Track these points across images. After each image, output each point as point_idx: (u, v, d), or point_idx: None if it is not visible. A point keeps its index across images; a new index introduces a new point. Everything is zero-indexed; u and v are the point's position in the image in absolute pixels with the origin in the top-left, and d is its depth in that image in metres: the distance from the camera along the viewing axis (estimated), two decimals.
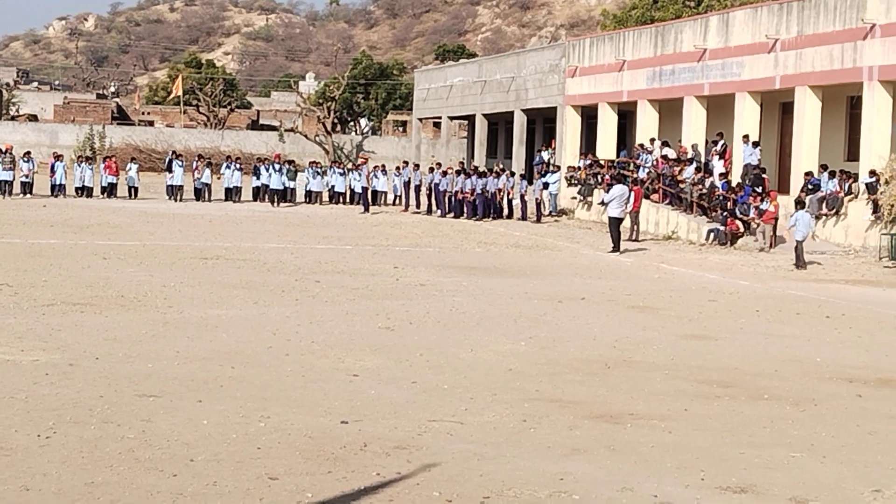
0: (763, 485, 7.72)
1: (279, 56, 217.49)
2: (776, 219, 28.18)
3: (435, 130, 72.44)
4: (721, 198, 30.18)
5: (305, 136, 72.59)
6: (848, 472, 8.16)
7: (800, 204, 25.94)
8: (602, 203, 29.76)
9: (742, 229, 28.80)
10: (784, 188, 32.08)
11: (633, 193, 29.26)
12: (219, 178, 43.63)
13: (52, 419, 8.76)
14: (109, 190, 41.99)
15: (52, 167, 41.22)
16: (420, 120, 60.68)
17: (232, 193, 42.58)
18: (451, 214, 38.36)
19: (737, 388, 11.06)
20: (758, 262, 25.46)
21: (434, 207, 40.05)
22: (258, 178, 43.11)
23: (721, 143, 33.51)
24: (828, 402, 10.55)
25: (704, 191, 31.20)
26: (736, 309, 17.24)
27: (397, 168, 45.45)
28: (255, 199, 42.92)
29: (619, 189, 27.42)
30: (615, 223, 26.88)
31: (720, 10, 41.12)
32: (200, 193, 42.39)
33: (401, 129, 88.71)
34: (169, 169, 42.59)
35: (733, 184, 30.95)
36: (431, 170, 41.57)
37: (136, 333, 12.85)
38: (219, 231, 28.65)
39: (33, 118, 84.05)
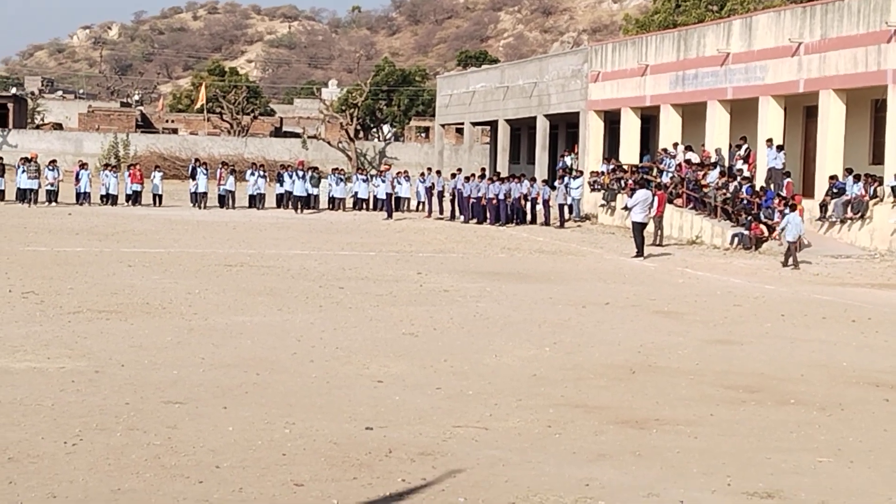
0: (790, 490, 7.68)
1: (302, 63, 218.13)
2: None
3: (458, 136, 72.56)
4: (745, 202, 30.06)
5: (328, 143, 72.76)
6: (876, 477, 8.11)
7: (790, 206, 26.01)
8: (626, 208, 29.70)
9: (766, 233, 28.68)
10: (809, 192, 31.94)
11: (656, 198, 29.17)
12: (247, 183, 43.66)
13: (79, 426, 8.80)
14: (134, 198, 42.17)
15: (77, 175, 41.42)
16: (443, 126, 60.73)
17: (256, 200, 42.69)
18: (475, 220, 38.35)
19: (763, 392, 11.01)
20: (782, 266, 25.32)
21: (457, 213, 40.05)
22: (282, 185, 43.21)
23: (745, 147, 33.39)
24: (855, 407, 10.48)
25: (728, 195, 31.08)
26: (761, 313, 17.16)
27: (420, 174, 45.52)
28: (278, 206, 43.02)
29: (642, 194, 27.38)
30: (639, 228, 26.84)
31: (743, 14, 41.01)
32: (224, 200, 42.53)
33: (423, 135, 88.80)
34: (193, 176, 42.74)
35: (757, 188, 30.82)
36: (453, 175, 41.58)
37: (161, 340, 12.90)
38: (243, 238, 28.73)
39: (58, 127, 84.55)
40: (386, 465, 7.99)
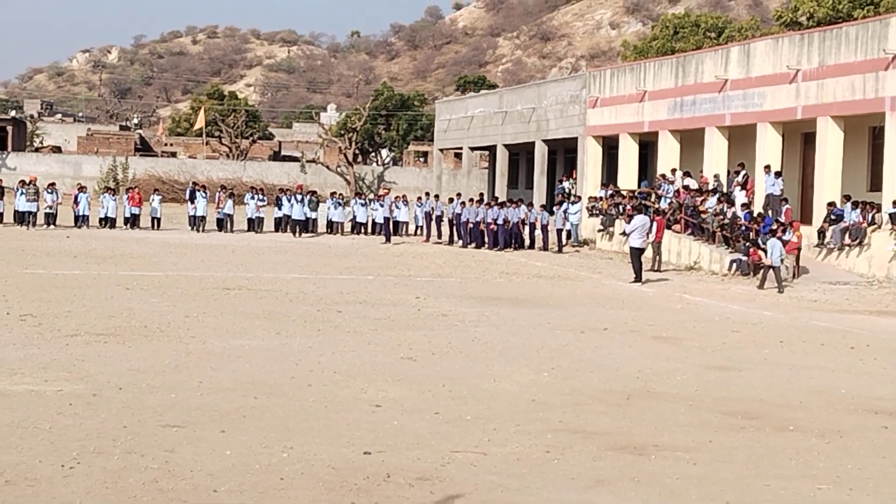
0: None
1: (301, 87, 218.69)
2: (799, 249, 28.10)
3: (456, 161, 72.68)
4: (743, 228, 30.08)
5: (327, 167, 72.86)
6: None
7: (772, 232, 26.26)
8: (623, 234, 29.73)
9: (764, 259, 28.67)
10: (807, 218, 31.98)
11: (654, 224, 29.21)
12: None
13: (76, 449, 8.77)
14: (132, 221, 42.20)
15: (76, 198, 41.48)
16: (441, 150, 60.82)
17: (254, 224, 42.72)
18: (473, 245, 38.38)
19: (762, 419, 10.99)
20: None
21: (455, 238, 40.08)
22: (280, 209, 43.25)
23: (743, 173, 33.46)
24: (853, 434, 10.47)
25: (726, 221, 31.11)
26: (760, 340, 17.15)
27: (418, 198, 45.57)
28: (277, 230, 43.05)
29: (640, 219, 27.42)
30: (637, 253, 26.88)
31: (741, 41, 41.16)
32: (223, 224, 42.56)
33: (422, 159, 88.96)
34: (191, 200, 42.77)
35: (755, 214, 30.85)
36: (451, 200, 41.63)
37: (159, 364, 12.88)
38: (241, 261, 28.73)
39: (57, 150, 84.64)
40: (384, 489, 7.97)
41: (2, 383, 11.35)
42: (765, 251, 28.30)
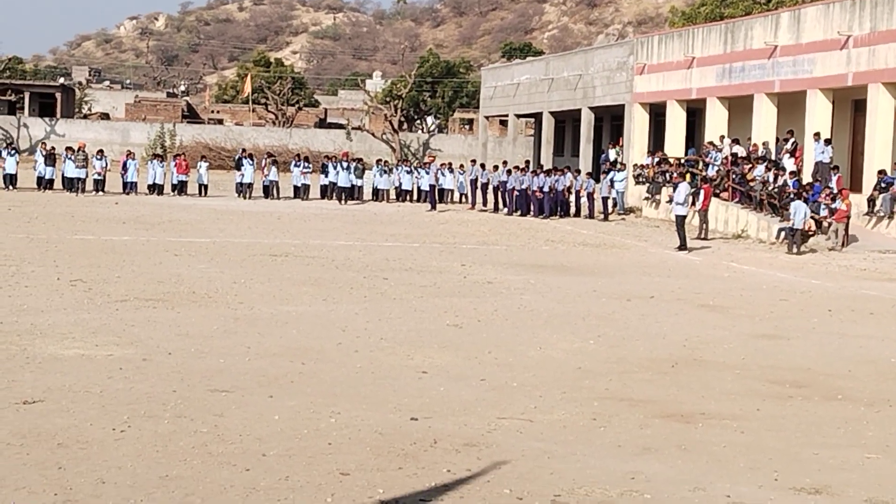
0: (838, 486, 7.62)
1: (346, 55, 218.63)
2: (848, 217, 27.83)
3: (501, 128, 72.43)
4: (792, 196, 29.81)
5: (373, 135, 72.87)
6: None
7: (796, 195, 26.27)
8: (670, 201, 29.58)
9: (813, 228, 28.43)
10: (857, 186, 31.61)
11: (702, 191, 29.01)
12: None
13: (127, 413, 8.88)
14: (180, 187, 42.45)
15: (124, 165, 41.75)
16: (487, 118, 60.63)
17: (300, 191, 42.85)
18: (518, 212, 38.31)
19: (810, 388, 10.93)
20: (830, 260, 25.13)
21: (501, 205, 40.01)
22: (326, 176, 43.33)
23: (792, 140, 33.10)
24: None
25: (775, 189, 30.84)
26: (808, 308, 17.03)
27: (461, 166, 45.50)
28: (322, 197, 43.14)
29: (685, 187, 27.24)
30: (682, 221, 26.72)
31: (791, 7, 40.62)
32: (269, 191, 42.71)
33: (467, 127, 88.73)
34: (238, 167, 42.93)
35: (804, 182, 30.56)
36: (496, 168, 41.54)
37: (207, 329, 12.99)
38: (287, 228, 28.85)
39: (105, 116, 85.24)
40: (431, 455, 8.00)
41: (53, 347, 11.50)
42: (815, 220, 28.16)
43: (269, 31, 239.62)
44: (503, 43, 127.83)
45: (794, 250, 26.42)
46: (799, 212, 26.41)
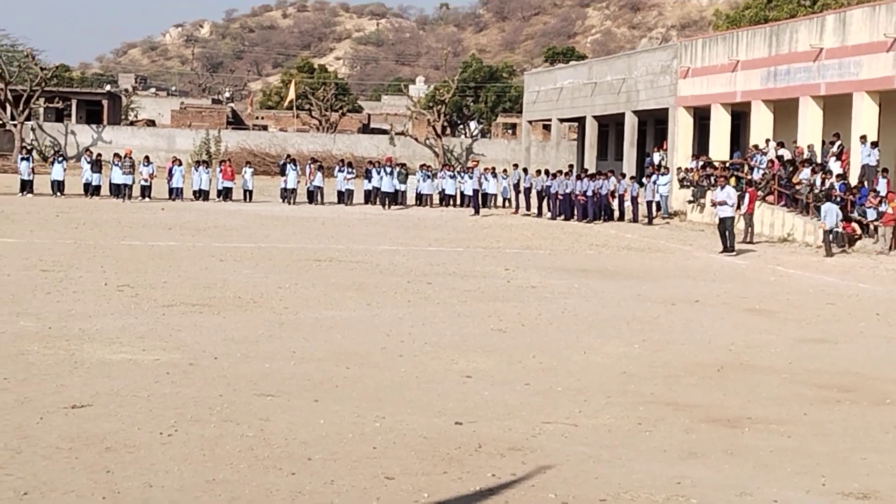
0: (886, 491, 7.55)
1: (389, 60, 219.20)
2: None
3: (545, 133, 72.34)
4: (838, 199, 29.55)
5: (416, 140, 73.01)
6: None
7: (826, 196, 26.27)
8: (714, 204, 29.42)
9: (859, 231, 28.18)
10: None
11: (747, 195, 28.83)
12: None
13: (174, 417, 8.94)
14: (225, 193, 42.72)
15: (170, 171, 42.08)
16: (530, 122, 60.58)
17: (344, 196, 43.00)
18: (562, 217, 38.25)
19: (858, 392, 10.83)
20: (877, 264, 24.89)
21: (544, 210, 39.97)
22: (370, 181, 43.46)
23: (838, 143, 32.81)
24: None
25: (821, 192, 30.58)
26: (855, 312, 16.88)
27: (505, 170, 45.49)
28: (366, 202, 43.27)
29: (729, 190, 27.09)
30: (726, 224, 26.56)
31: (836, 9, 40.29)
32: (313, 196, 42.89)
33: (510, 131, 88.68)
34: (283, 172, 43.15)
35: (851, 185, 30.28)
36: (539, 172, 41.48)
37: (252, 334, 13.06)
38: (331, 233, 28.96)
39: (151, 123, 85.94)
40: (476, 459, 8.01)
41: (101, 352, 11.60)
42: (861, 223, 27.90)
43: (312, 37, 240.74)
44: (546, 47, 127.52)
45: (831, 252, 26.43)
46: (830, 213, 26.35)
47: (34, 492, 6.99)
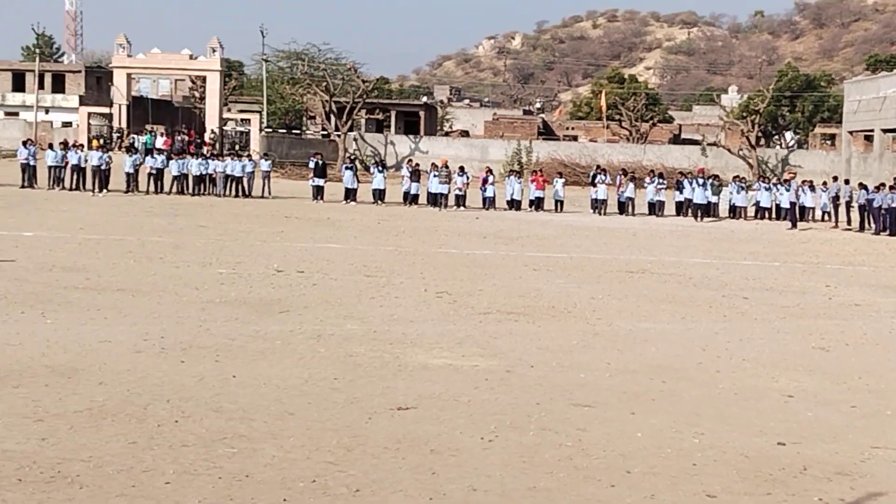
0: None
1: (701, 69, 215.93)
2: None
3: (866, 144, 69.29)
4: None
5: (728, 150, 71.43)
6: None
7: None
8: None
9: None
10: None
11: None
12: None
13: (493, 423, 9.12)
14: (537, 203, 43.20)
15: (484, 180, 42.95)
16: (850, 133, 58.23)
17: (654, 208, 42.63)
18: (886, 232, 36.46)
19: None
20: None
21: (867, 224, 38.23)
22: (681, 193, 42.89)
23: None
24: None
25: None
26: None
27: (824, 183, 43.85)
28: (678, 214, 42.72)
29: None
30: None
31: None
32: (624, 207, 42.75)
33: (829, 142, 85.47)
34: (593, 183, 43.23)
35: None
36: (861, 185, 39.72)
37: (567, 343, 13.15)
38: (643, 245, 28.76)
39: (465, 134, 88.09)
40: (801, 482, 7.76)
41: (423, 356, 11.98)
42: None
43: (622, 47, 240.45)
44: (867, 55, 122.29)
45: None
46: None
47: (365, 489, 7.30)
